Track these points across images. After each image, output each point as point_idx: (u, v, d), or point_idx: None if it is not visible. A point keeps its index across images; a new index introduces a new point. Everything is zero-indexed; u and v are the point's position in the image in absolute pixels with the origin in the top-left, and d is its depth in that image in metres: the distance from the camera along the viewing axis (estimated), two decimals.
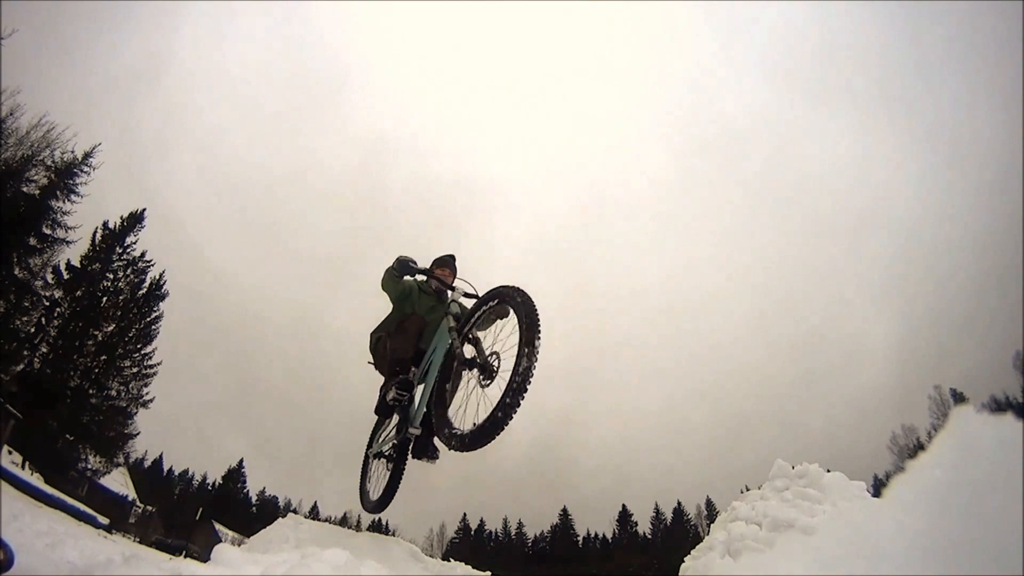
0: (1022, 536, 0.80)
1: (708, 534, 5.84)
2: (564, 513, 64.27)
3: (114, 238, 29.45)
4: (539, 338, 2.82)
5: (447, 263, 4.38)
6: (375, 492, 4.46)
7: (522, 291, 3.12)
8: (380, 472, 4.44)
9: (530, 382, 2.78)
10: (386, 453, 4.33)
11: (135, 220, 30.40)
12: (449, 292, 3.95)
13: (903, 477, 1.17)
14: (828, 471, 5.64)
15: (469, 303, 3.82)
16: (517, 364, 2.81)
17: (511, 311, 3.13)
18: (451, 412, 3.37)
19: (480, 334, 3.46)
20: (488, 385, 3.10)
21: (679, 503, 60.95)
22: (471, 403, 3.18)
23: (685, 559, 5.80)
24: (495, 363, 3.12)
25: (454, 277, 4.32)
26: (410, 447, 4.07)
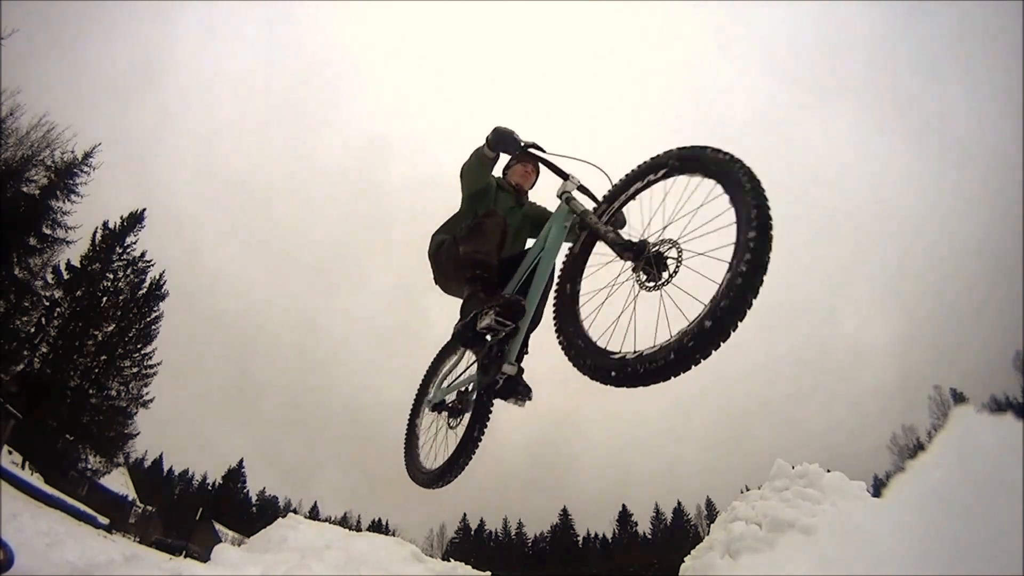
0: (1022, 536, 0.79)
1: (708, 534, 5.83)
2: (564, 513, 64.28)
3: (114, 238, 29.44)
4: (772, 224, 1.76)
5: (532, 160, 3.19)
6: (433, 458, 3.21)
7: (725, 152, 2.02)
8: (441, 430, 3.17)
9: (762, 281, 1.75)
10: (453, 403, 3.11)
11: (135, 220, 30.40)
12: (562, 181, 2.79)
13: (903, 477, 1.17)
14: (828, 471, 5.64)
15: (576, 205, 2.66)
16: (746, 245, 1.74)
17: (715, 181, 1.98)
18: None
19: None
20: (658, 286, 2.06)
21: (679, 503, 60.99)
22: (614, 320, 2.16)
23: (685, 559, 5.80)
24: (673, 253, 2.05)
25: (536, 178, 3.30)
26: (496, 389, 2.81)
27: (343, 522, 50.75)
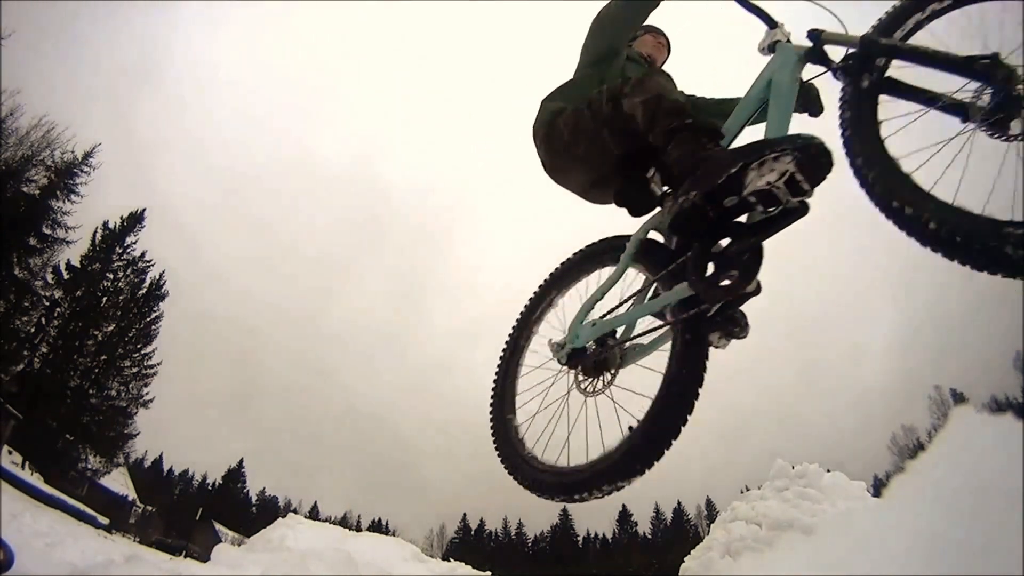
0: (1022, 536, 0.79)
1: (708, 534, 5.84)
2: (564, 513, 64.30)
3: (114, 238, 29.46)
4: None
5: (662, 33, 2.66)
6: (551, 449, 1.97)
7: None
8: (570, 404, 1.96)
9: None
10: (611, 350, 1.88)
11: (135, 220, 30.43)
12: (771, 30, 1.87)
13: (903, 477, 1.17)
14: (828, 471, 5.64)
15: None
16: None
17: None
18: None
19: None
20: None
21: (679, 503, 60.98)
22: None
23: (685, 559, 5.80)
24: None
25: (668, 55, 2.67)
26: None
27: (343, 522, 50.77)
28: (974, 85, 1.41)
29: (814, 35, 1.76)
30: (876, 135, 1.56)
